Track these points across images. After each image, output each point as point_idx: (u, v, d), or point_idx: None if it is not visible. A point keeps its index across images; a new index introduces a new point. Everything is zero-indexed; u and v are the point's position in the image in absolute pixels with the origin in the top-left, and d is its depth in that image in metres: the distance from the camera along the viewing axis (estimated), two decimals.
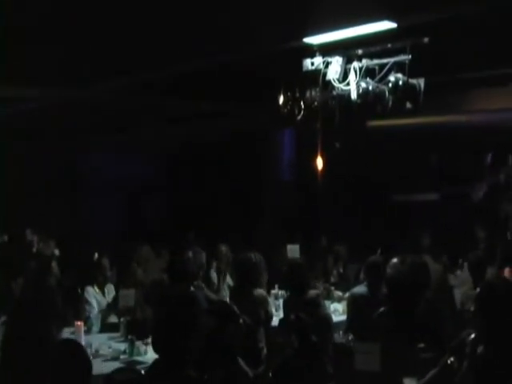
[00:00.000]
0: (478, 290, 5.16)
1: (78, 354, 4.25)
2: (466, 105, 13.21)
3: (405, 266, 5.82)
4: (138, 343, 6.83)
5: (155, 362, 4.60)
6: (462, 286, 8.00)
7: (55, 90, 10.49)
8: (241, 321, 5.27)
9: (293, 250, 9.49)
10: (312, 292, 7.26)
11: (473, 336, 4.86)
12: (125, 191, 15.15)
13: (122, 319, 7.59)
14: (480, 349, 4.70)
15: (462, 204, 14.46)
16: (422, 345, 5.19)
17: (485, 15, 8.01)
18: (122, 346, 7.00)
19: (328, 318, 7.05)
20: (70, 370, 4.13)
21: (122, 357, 6.79)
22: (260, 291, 7.33)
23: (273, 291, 8.97)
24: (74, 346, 4.41)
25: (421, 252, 9.54)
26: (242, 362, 5.05)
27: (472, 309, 5.52)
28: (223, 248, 10.42)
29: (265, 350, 6.95)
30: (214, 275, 10.16)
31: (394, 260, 7.65)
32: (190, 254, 10.07)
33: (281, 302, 8.14)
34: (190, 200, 14.84)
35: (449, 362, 4.91)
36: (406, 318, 5.55)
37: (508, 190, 14.47)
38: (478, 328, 4.85)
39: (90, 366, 4.27)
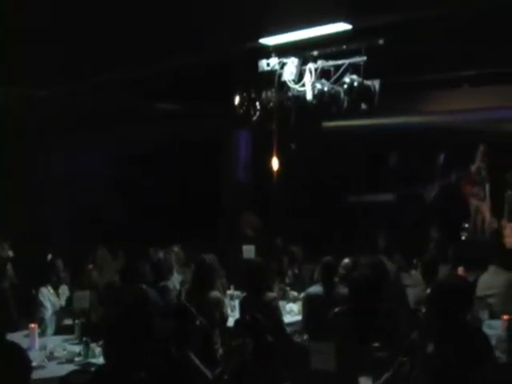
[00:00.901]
0: (430, 290, 5.25)
1: (17, 358, 4.18)
2: (420, 106, 13.37)
3: (366, 266, 5.90)
4: (93, 345, 6.77)
5: (102, 365, 4.56)
6: (415, 285, 8.08)
7: (17, 90, 10.38)
8: (197, 322, 5.28)
9: (248, 251, 9.51)
10: (269, 293, 7.30)
11: (425, 335, 4.92)
12: (81, 192, 15.01)
13: (76, 321, 7.52)
14: (431, 348, 4.76)
15: (416, 204, 14.62)
16: (376, 344, 5.24)
17: (440, 18, 8.12)
18: (77, 349, 6.94)
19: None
20: (8, 373, 4.07)
21: (76, 359, 6.72)
22: (215, 293, 7.33)
23: (228, 292, 8.98)
24: (14, 349, 4.33)
25: (376, 252, 9.66)
26: (198, 363, 5.06)
27: (424, 308, 5.61)
28: (176, 249, 10.40)
29: (220, 351, 6.95)
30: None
31: (346, 260, 7.76)
32: (161, 254, 10.06)
33: (237, 302, 8.14)
34: (147, 201, 14.76)
35: (401, 362, 4.97)
36: (366, 318, 5.62)
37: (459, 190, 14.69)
38: (429, 327, 4.91)
39: (29, 371, 4.19)
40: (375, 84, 8.05)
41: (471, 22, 8.25)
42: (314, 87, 8.21)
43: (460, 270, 8.75)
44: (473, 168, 13.55)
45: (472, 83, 12.29)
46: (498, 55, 9.89)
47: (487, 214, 13.38)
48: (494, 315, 7.08)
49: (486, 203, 13.42)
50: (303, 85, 8.32)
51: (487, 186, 13.35)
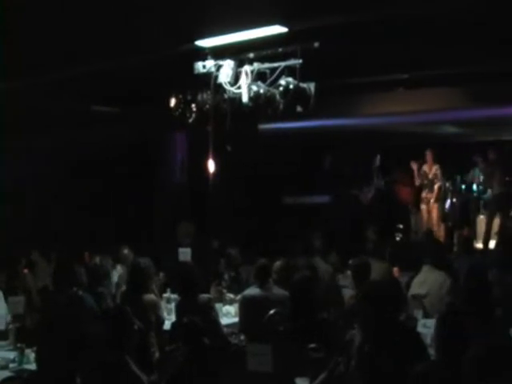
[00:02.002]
0: (360, 292, 5.34)
1: None
2: (356, 109, 13.52)
3: (303, 268, 5.97)
4: (28, 351, 6.67)
5: (34, 372, 4.51)
6: (351, 286, 8.18)
7: None
8: (135, 326, 5.26)
9: (184, 254, 9.48)
10: (204, 296, 7.31)
11: (359, 335, 5.00)
12: (15, 194, 14.74)
13: (10, 326, 7.40)
14: (366, 348, 4.84)
15: (352, 205, 14.80)
16: (313, 345, 5.30)
17: (375, 21, 8.24)
18: (11, 355, 6.82)
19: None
20: None
21: (11, 365, 6.59)
22: (150, 296, 7.31)
23: (165, 295, 8.94)
24: None
25: (312, 253, 9.75)
26: (135, 368, 5.04)
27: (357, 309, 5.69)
28: (125, 251, 10.32)
29: (157, 354, 6.93)
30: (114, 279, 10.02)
31: (278, 263, 7.82)
32: (98, 259, 9.94)
33: (173, 305, 8.13)
34: (83, 204, 14.59)
35: (337, 362, 5.04)
36: (302, 319, 5.68)
37: (392, 193, 14.94)
38: (363, 327, 4.99)
39: None
40: (311, 86, 8.14)
41: (406, 25, 8.39)
42: (249, 89, 8.25)
43: (395, 271, 8.90)
44: (420, 171, 13.77)
45: (407, 86, 12.49)
46: (431, 58, 10.08)
47: (435, 216, 13.66)
48: (428, 314, 7.21)
49: (435, 205, 13.68)
50: (239, 87, 8.35)
51: (436, 189, 13.61)
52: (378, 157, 14.85)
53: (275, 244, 11.85)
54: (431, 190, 13.67)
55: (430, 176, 13.61)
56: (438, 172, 13.61)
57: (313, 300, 5.99)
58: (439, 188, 13.65)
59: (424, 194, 13.76)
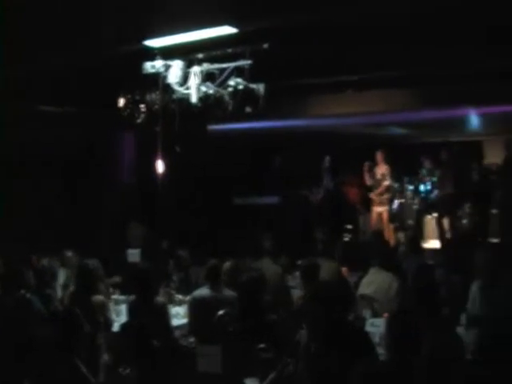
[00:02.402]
0: (309, 292, 5.38)
1: None
2: (305, 110, 13.61)
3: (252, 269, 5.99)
4: None
5: None
6: (299, 286, 8.22)
7: None
8: (85, 328, 5.22)
9: (133, 255, 9.44)
10: (159, 298, 7.31)
11: (307, 335, 5.04)
12: None
13: None
14: (314, 348, 4.88)
15: (302, 206, 14.88)
16: (262, 345, 5.32)
17: (324, 23, 8.29)
18: None
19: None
20: None
21: None
22: (98, 297, 7.26)
23: (113, 296, 8.88)
24: None
25: (262, 254, 9.77)
26: (84, 371, 5.00)
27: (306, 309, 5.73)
28: (69, 254, 10.21)
29: (105, 356, 6.88)
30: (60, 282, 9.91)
31: (227, 264, 7.83)
32: (46, 261, 9.80)
33: (122, 307, 8.08)
34: (30, 205, 14.39)
35: (286, 362, 5.07)
36: (252, 319, 5.70)
37: (341, 193, 15.05)
38: (311, 327, 5.03)
39: None
40: (260, 87, 8.16)
41: (355, 27, 8.47)
42: (198, 90, 8.24)
43: (344, 271, 8.97)
44: (371, 172, 13.88)
45: (356, 87, 12.60)
46: (380, 60, 10.18)
47: (385, 216, 13.78)
48: (376, 314, 7.29)
49: (384, 207, 13.81)
50: (188, 87, 8.34)
51: (383, 188, 13.73)
52: (328, 158, 14.95)
53: (225, 245, 11.84)
54: (379, 190, 13.82)
55: (379, 176, 13.74)
56: (387, 172, 13.73)
57: (261, 301, 6.02)
58: (386, 187, 13.76)
59: (373, 195, 13.88)
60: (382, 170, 13.76)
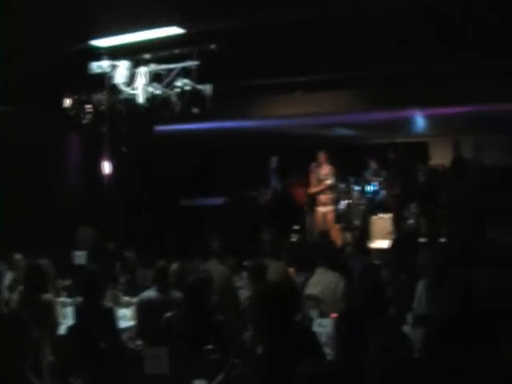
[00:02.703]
0: (255, 292, 5.40)
1: None
2: (253, 111, 13.62)
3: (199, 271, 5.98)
4: None
5: None
6: (246, 287, 8.24)
7: None
8: (31, 331, 5.14)
9: (79, 257, 9.35)
10: (105, 300, 7.25)
11: (254, 336, 5.05)
12: None
13: None
14: (261, 349, 4.89)
15: (250, 207, 14.90)
16: (209, 346, 5.32)
17: (272, 25, 8.33)
18: None
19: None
20: None
21: None
22: (48, 296, 7.19)
23: (60, 299, 8.79)
24: None
25: (209, 255, 9.75)
26: (32, 376, 4.92)
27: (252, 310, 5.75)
28: (18, 256, 10.06)
29: (49, 358, 6.80)
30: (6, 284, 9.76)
31: (175, 265, 7.81)
32: None
33: (69, 309, 7.99)
34: None
35: (233, 364, 5.08)
36: (199, 321, 5.70)
37: (288, 194, 15.12)
38: (258, 328, 5.05)
39: None
40: (207, 88, 8.17)
41: (304, 29, 8.52)
42: (145, 91, 8.22)
43: (291, 271, 9.01)
44: (315, 174, 13.94)
45: (304, 89, 12.66)
46: (328, 61, 10.26)
47: (329, 217, 13.86)
48: (323, 314, 7.33)
49: (328, 207, 13.87)
50: (135, 88, 8.30)
51: (325, 186, 13.79)
52: (275, 158, 14.99)
53: (172, 246, 11.81)
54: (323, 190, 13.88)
55: (322, 176, 13.79)
56: (330, 172, 13.76)
57: (208, 302, 6.02)
58: (329, 186, 13.79)
59: (318, 196, 13.94)
60: (325, 170, 13.81)
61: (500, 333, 5.41)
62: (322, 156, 13.81)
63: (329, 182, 13.74)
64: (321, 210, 13.90)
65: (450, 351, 5.24)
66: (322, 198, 13.85)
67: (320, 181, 13.81)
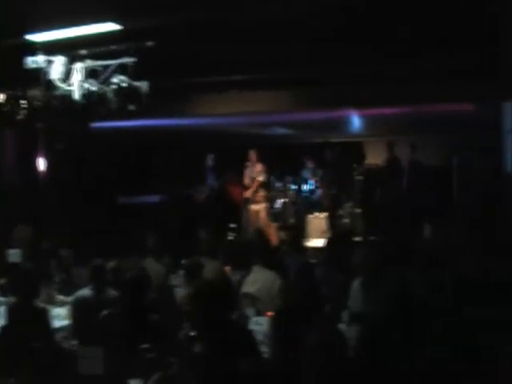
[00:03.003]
0: (192, 290, 5.40)
1: None
2: (190, 109, 13.58)
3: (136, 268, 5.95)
4: None
5: None
6: (183, 285, 8.21)
7: None
8: None
9: (13, 255, 9.19)
10: (39, 300, 7.14)
11: (190, 334, 5.04)
12: None
13: None
14: (197, 347, 4.88)
15: (186, 205, 14.86)
16: (145, 345, 5.29)
17: (208, 22, 8.31)
18: None
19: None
20: None
21: None
22: None
23: None
24: None
25: (146, 253, 9.69)
26: None
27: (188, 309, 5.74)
28: None
29: None
30: None
31: (111, 263, 7.76)
32: None
33: (1, 309, 7.84)
34: None
35: (169, 362, 5.06)
36: (135, 319, 5.67)
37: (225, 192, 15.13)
38: (194, 326, 5.04)
39: None
40: (143, 85, 8.11)
41: (240, 27, 8.53)
42: (81, 87, 8.12)
43: (227, 269, 9.01)
44: (248, 172, 13.97)
45: (240, 87, 12.68)
46: (264, 61, 10.29)
47: (262, 215, 13.90)
48: (260, 312, 7.35)
49: (261, 205, 13.92)
50: (71, 84, 8.19)
51: (255, 184, 13.83)
52: (211, 156, 14.98)
53: (108, 244, 11.68)
54: (254, 188, 13.94)
55: (254, 174, 13.88)
56: (261, 170, 13.86)
57: (144, 300, 6.00)
58: (259, 184, 13.86)
59: (248, 193, 14.00)
60: (256, 168, 13.90)
61: (433, 331, 5.51)
62: (252, 155, 13.89)
63: (260, 178, 13.83)
64: (254, 207, 13.98)
65: (384, 349, 5.32)
66: (255, 195, 13.92)
67: (253, 179, 13.89)
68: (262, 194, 13.96)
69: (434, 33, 9.40)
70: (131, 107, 8.22)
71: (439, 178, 12.64)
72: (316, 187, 14.53)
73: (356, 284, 7.25)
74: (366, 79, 11.58)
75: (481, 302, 6.28)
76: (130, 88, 8.10)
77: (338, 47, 9.67)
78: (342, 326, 6.48)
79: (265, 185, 14.05)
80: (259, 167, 13.87)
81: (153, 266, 8.95)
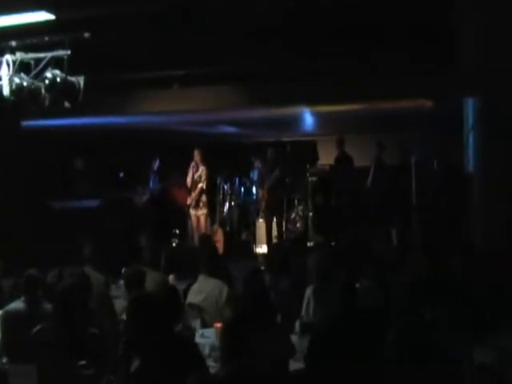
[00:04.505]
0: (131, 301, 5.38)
1: None
2: (128, 105, 13.48)
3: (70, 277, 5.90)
4: None
5: None
6: (123, 296, 8.16)
7: None
8: None
9: None
10: None
11: (128, 349, 5.01)
12: None
13: None
14: (137, 362, 4.85)
15: (125, 210, 14.74)
16: (83, 362, 5.24)
17: (149, 14, 8.29)
18: None
19: None
20: None
21: None
22: None
23: None
24: None
25: (83, 262, 9.59)
26: None
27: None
28: None
29: None
30: None
31: (51, 274, 7.66)
32: None
33: None
34: None
35: (108, 380, 5.03)
36: (71, 334, 5.60)
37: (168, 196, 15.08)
38: (135, 340, 5.01)
39: None
40: (80, 80, 8.01)
41: (181, 19, 8.52)
42: (11, 82, 7.99)
43: (171, 278, 8.98)
44: (191, 174, 13.90)
45: (183, 83, 12.64)
46: (209, 54, 10.29)
47: (202, 220, 13.84)
48: (206, 324, 7.34)
49: (202, 210, 13.86)
50: None
51: (197, 190, 13.77)
52: (155, 157, 14.91)
53: (43, 253, 11.53)
54: (195, 192, 13.87)
55: (196, 177, 13.81)
56: (203, 173, 13.80)
57: (80, 312, 5.92)
58: (201, 190, 13.80)
59: (190, 198, 13.92)
60: (199, 171, 13.84)
61: (381, 339, 5.58)
62: (196, 155, 13.80)
63: (201, 185, 13.76)
64: (194, 213, 13.90)
65: (332, 358, 5.36)
66: (196, 201, 13.85)
67: (195, 183, 13.82)
68: (203, 199, 13.89)
69: (393, 28, 9.53)
70: (66, 104, 8.11)
71: (400, 177, 12.75)
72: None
73: (308, 291, 7.30)
74: (319, 74, 11.64)
75: (436, 303, 6.35)
76: (65, 83, 7.98)
77: (290, 43, 9.73)
78: (294, 338, 6.52)
79: (207, 190, 13.96)
80: (201, 170, 13.78)
81: (91, 276, 8.86)
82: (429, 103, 11.82)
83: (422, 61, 10.57)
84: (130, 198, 14.94)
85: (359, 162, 13.75)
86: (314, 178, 14.40)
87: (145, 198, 14.93)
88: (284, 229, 13.62)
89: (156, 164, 15.00)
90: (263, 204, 13.63)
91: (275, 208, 13.40)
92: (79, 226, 13.69)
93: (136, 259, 9.75)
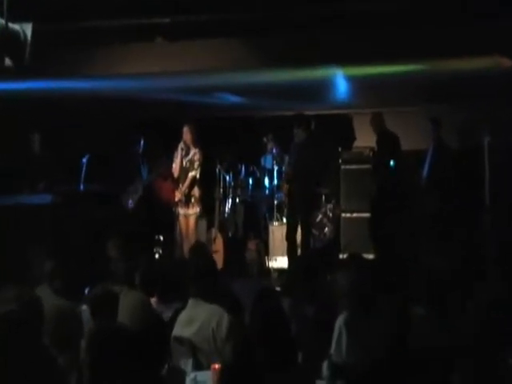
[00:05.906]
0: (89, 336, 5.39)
1: None
2: (96, 65, 13.46)
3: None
4: None
5: None
6: (87, 326, 8.16)
7: None
8: None
9: None
10: None
11: None
12: None
13: None
14: None
15: (88, 208, 14.68)
16: None
17: None
18: None
19: None
20: None
21: None
22: None
23: None
24: None
25: (38, 279, 9.57)
26: None
27: None
28: None
29: None
30: None
31: None
32: None
33: None
34: None
35: None
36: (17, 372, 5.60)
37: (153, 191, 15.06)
38: None
39: None
40: (26, 30, 7.98)
41: None
42: None
43: (153, 302, 8.93)
44: (177, 159, 13.79)
45: (168, 35, 12.62)
46: None
47: (194, 222, 13.75)
48: (200, 364, 7.29)
49: (194, 209, 13.75)
50: None
51: (188, 180, 13.65)
52: (142, 139, 14.83)
53: None
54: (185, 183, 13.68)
55: (185, 163, 13.58)
56: (196, 158, 13.56)
57: (31, 348, 5.89)
58: (192, 180, 13.59)
59: (178, 192, 13.78)
60: (189, 154, 13.65)
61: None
62: (187, 133, 13.54)
63: (193, 173, 13.57)
64: (183, 212, 13.76)
65: None
66: (186, 196, 13.68)
67: (185, 170, 13.62)
68: (196, 193, 13.71)
69: None
70: (8, 62, 8.10)
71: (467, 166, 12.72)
72: (282, 181, 14.36)
73: (340, 321, 7.23)
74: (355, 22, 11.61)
75: None
76: (7, 33, 7.97)
77: None
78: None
79: (200, 181, 13.80)
80: (193, 154, 13.57)
81: (48, 298, 8.82)
82: (508, 62, 11.76)
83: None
84: (93, 192, 14.79)
85: (407, 144, 13.74)
86: (348, 166, 14.27)
87: (136, 195, 14.84)
88: (308, 235, 13.54)
89: (140, 146, 14.88)
90: (286, 200, 13.58)
91: (301, 207, 13.24)
92: (31, 230, 13.66)
93: (106, 276, 9.73)
